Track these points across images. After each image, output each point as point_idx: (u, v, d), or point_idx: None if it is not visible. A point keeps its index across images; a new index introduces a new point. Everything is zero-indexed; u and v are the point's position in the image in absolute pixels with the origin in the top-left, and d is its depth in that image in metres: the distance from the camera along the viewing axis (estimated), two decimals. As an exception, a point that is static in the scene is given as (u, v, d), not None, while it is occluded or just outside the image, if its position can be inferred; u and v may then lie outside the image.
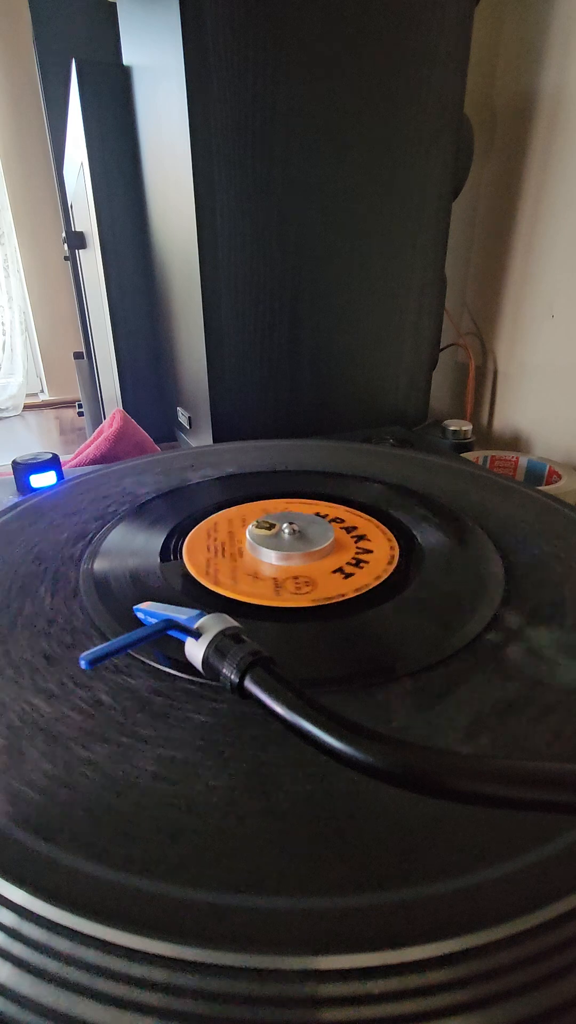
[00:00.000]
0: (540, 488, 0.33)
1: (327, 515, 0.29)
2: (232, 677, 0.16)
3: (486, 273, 0.61)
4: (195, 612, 0.18)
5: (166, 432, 0.67)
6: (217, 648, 0.16)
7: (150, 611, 0.19)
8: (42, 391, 1.71)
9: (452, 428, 0.53)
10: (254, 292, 0.46)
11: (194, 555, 0.26)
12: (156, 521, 0.29)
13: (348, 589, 0.23)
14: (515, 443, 0.61)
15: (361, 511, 0.30)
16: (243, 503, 0.31)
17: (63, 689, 0.18)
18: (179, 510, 0.30)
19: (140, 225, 0.60)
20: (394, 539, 0.27)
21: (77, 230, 0.79)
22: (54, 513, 0.30)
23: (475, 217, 0.62)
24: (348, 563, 0.25)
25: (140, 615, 0.20)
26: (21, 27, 1.22)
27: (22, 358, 1.64)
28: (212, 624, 0.17)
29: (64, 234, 0.81)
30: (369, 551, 0.26)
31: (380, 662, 0.19)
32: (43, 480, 0.35)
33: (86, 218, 0.65)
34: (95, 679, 0.19)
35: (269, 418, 0.51)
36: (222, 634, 0.17)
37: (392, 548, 0.26)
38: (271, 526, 0.26)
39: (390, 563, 0.25)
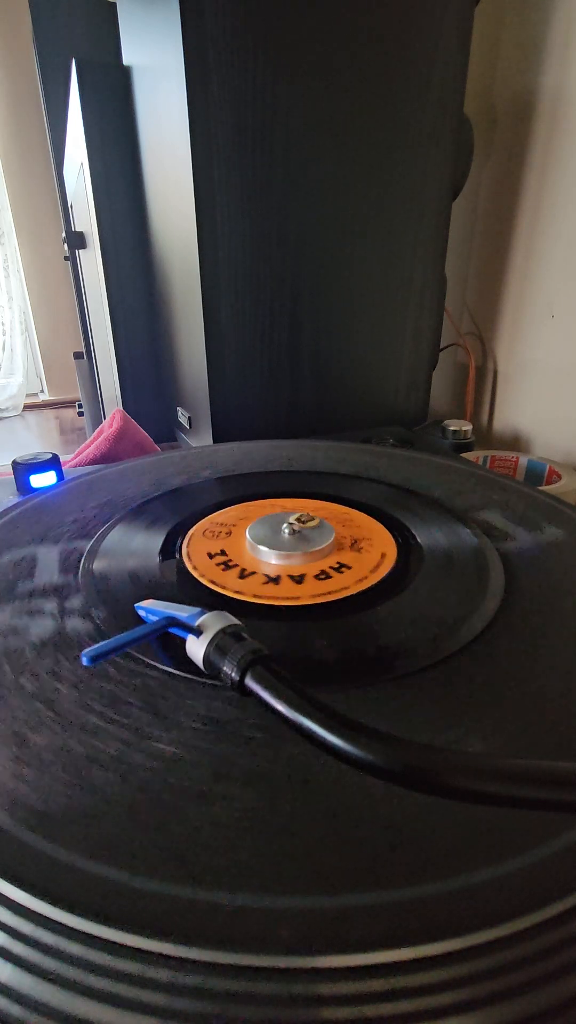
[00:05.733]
0: (540, 488, 0.33)
1: (327, 515, 0.29)
2: (233, 675, 0.16)
3: (486, 273, 0.61)
4: (196, 610, 0.18)
5: (166, 432, 0.67)
6: (218, 646, 0.16)
7: (151, 609, 0.19)
8: (42, 391, 1.71)
9: (452, 428, 0.53)
10: (254, 292, 0.46)
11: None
12: (156, 521, 0.29)
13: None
14: (515, 443, 0.61)
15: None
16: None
17: (64, 687, 0.18)
18: (179, 509, 0.30)
19: (140, 225, 0.60)
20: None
21: (77, 230, 0.79)
22: (54, 513, 0.30)
23: (475, 217, 0.62)
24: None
25: (141, 613, 0.20)
26: (21, 27, 1.22)
27: (22, 358, 1.64)
28: (213, 622, 0.17)
29: (64, 234, 0.81)
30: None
31: (380, 661, 0.19)
32: (43, 480, 0.35)
33: (86, 218, 0.65)
34: (96, 677, 0.19)
35: (269, 418, 0.51)
36: (223, 632, 0.17)
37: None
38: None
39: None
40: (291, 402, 0.51)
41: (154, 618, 0.18)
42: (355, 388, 0.53)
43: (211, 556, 0.25)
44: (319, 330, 0.49)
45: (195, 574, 0.24)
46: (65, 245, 0.83)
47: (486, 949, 0.11)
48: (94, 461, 0.45)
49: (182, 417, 0.60)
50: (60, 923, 0.12)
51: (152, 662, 0.19)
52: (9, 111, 1.37)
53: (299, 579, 0.23)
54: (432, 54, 0.43)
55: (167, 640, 0.19)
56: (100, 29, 0.77)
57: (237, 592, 0.23)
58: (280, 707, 0.14)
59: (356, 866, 0.13)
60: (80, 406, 1.12)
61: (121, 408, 0.57)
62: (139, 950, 0.11)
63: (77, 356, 1.08)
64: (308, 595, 0.22)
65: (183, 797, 0.14)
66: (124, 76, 0.55)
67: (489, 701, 0.18)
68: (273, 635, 0.20)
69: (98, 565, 0.25)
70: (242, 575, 0.24)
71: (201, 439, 0.54)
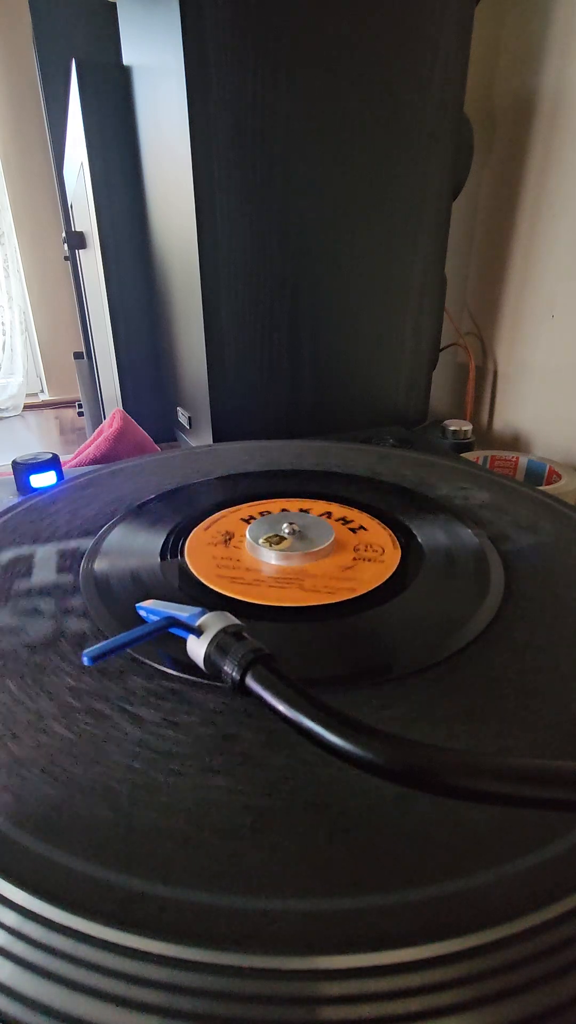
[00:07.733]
0: (540, 488, 0.33)
1: (327, 515, 0.29)
2: (234, 674, 0.16)
3: (486, 273, 0.61)
4: (197, 610, 0.18)
5: (166, 432, 0.67)
6: (219, 645, 0.16)
7: (152, 609, 0.19)
8: (42, 391, 1.70)
9: (452, 428, 0.53)
10: (254, 292, 0.46)
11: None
12: (156, 521, 0.29)
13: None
14: (515, 443, 0.61)
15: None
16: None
17: (65, 688, 0.18)
18: (179, 510, 0.30)
19: (140, 225, 0.60)
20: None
21: (77, 230, 0.79)
22: (54, 513, 0.30)
23: (475, 217, 0.62)
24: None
25: (142, 613, 0.20)
26: (21, 27, 1.22)
27: (22, 358, 1.64)
28: (214, 622, 0.17)
29: (64, 234, 0.81)
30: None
31: (380, 661, 0.19)
32: (43, 480, 0.35)
33: (86, 218, 0.65)
34: (97, 678, 0.18)
35: (269, 418, 0.51)
36: (224, 632, 0.17)
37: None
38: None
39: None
40: (291, 402, 0.51)
41: (155, 618, 0.18)
42: (355, 388, 0.53)
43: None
44: (319, 330, 0.49)
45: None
46: (65, 245, 0.83)
47: (486, 949, 0.11)
48: (94, 461, 0.45)
49: (182, 417, 0.60)
50: (60, 923, 0.12)
51: (152, 662, 0.19)
52: (9, 111, 1.37)
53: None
54: (432, 54, 0.43)
55: (168, 640, 0.19)
56: (100, 29, 0.77)
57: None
58: (281, 706, 0.14)
59: (356, 867, 0.13)
60: (80, 406, 1.12)
61: (121, 408, 0.57)
62: (139, 950, 0.11)
63: (77, 356, 1.08)
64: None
65: (183, 797, 0.14)
66: (124, 76, 0.55)
67: (489, 701, 0.18)
68: (274, 635, 0.20)
69: (98, 565, 0.25)
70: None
71: (201, 439, 0.54)
